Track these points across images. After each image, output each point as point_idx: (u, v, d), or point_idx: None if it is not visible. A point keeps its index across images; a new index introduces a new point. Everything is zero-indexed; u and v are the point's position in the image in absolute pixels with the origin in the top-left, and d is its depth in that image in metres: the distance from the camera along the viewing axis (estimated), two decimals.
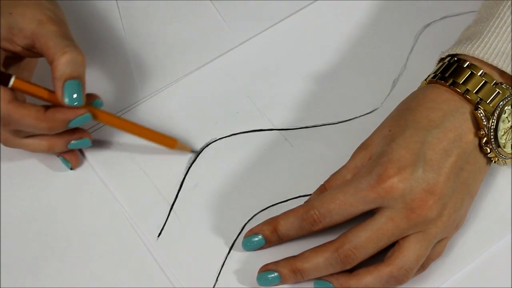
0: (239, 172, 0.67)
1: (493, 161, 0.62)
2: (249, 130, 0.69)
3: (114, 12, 0.75)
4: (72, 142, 0.65)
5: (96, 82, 0.70)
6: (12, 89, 0.61)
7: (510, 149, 0.62)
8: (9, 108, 0.61)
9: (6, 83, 0.61)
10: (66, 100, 0.61)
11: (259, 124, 0.70)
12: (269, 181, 0.67)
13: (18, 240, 0.64)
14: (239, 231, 0.65)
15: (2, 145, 0.66)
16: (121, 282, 0.63)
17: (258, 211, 0.65)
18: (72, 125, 0.63)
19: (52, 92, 0.62)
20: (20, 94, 0.64)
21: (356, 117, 0.70)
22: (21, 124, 0.62)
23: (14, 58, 0.65)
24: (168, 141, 0.67)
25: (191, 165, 0.68)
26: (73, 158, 0.67)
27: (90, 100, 0.64)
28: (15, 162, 0.67)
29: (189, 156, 0.68)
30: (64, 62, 0.61)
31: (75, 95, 0.61)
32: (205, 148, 0.68)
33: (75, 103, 0.62)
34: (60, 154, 0.66)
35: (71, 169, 0.67)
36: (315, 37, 0.74)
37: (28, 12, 0.62)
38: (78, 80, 0.62)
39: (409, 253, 0.59)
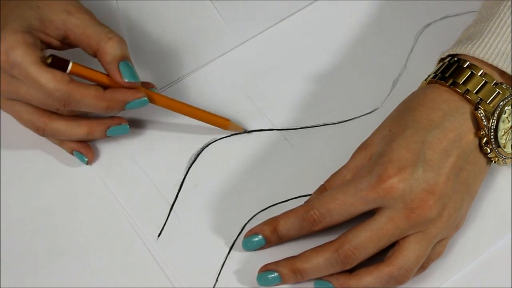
0: (239, 172, 0.67)
1: (493, 161, 0.62)
2: (249, 130, 0.69)
3: (114, 12, 0.75)
4: (112, 127, 0.66)
5: None
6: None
7: (510, 149, 0.62)
8: (70, 88, 0.62)
9: (64, 69, 0.62)
10: (127, 78, 0.63)
11: (259, 124, 0.70)
12: (269, 181, 0.67)
13: (18, 240, 0.64)
14: (239, 231, 0.65)
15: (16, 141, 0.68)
16: (121, 282, 0.63)
17: (258, 211, 0.65)
18: (129, 107, 0.64)
19: (108, 76, 0.64)
20: None
21: (356, 117, 0.70)
22: (81, 104, 0.63)
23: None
24: (222, 121, 0.68)
25: (191, 165, 0.68)
26: (89, 151, 0.67)
27: (146, 87, 0.66)
28: (16, 162, 0.67)
29: (189, 156, 0.68)
30: (112, 46, 0.63)
31: (132, 74, 0.63)
32: (205, 148, 0.68)
33: (135, 79, 0.64)
34: (75, 149, 0.67)
35: (87, 163, 0.67)
36: (315, 37, 0.74)
37: (54, 4, 0.64)
38: (127, 59, 0.64)
39: (409, 253, 0.59)
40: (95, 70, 0.64)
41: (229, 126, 0.68)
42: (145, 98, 0.65)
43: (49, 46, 0.65)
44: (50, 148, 0.68)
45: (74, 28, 0.64)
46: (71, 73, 0.63)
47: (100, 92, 0.63)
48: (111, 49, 0.63)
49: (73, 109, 0.64)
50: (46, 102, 0.63)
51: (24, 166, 0.67)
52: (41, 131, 0.65)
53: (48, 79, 0.61)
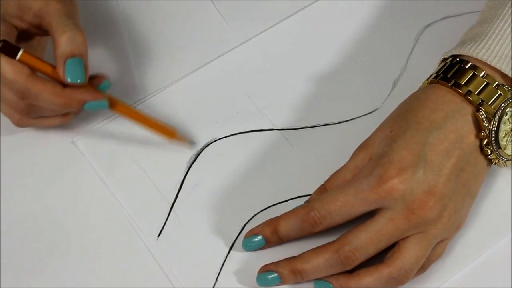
0: (239, 172, 0.67)
1: (494, 163, 0.62)
2: (249, 130, 0.69)
3: (114, 12, 0.75)
4: (89, 104, 0.64)
5: None
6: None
7: (510, 151, 0.62)
8: (28, 81, 0.62)
9: (14, 56, 0.62)
10: (68, 78, 0.62)
11: (259, 124, 0.70)
12: (269, 181, 0.67)
13: (18, 240, 0.64)
14: (239, 231, 0.65)
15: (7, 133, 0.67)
16: (121, 282, 0.63)
17: (258, 211, 0.65)
18: (87, 107, 0.64)
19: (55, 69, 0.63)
20: None
21: (357, 117, 0.70)
22: (38, 99, 0.62)
23: (25, 37, 0.66)
24: (168, 133, 0.67)
25: (191, 165, 0.68)
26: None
27: (97, 81, 0.65)
28: (16, 161, 0.67)
29: (189, 156, 0.68)
30: (64, 41, 0.62)
31: (76, 73, 0.62)
32: (205, 148, 0.68)
33: (77, 81, 0.62)
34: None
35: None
36: (316, 38, 0.74)
37: None
38: (80, 58, 0.62)
39: (409, 254, 0.59)
40: (46, 62, 0.63)
41: (175, 137, 0.67)
42: (105, 102, 0.64)
43: (25, 31, 0.65)
44: (50, 148, 0.68)
45: (46, 16, 0.63)
46: (21, 61, 0.62)
47: (57, 89, 0.62)
48: (61, 44, 0.62)
49: (32, 103, 0.63)
50: (6, 93, 0.63)
51: (24, 166, 0.67)
52: (21, 124, 0.65)
53: (7, 70, 0.61)
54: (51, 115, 0.66)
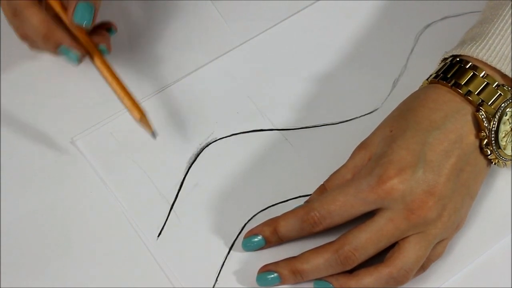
0: (239, 172, 0.67)
1: (493, 163, 0.62)
2: (249, 130, 0.69)
3: (114, 13, 0.75)
4: (63, 46, 0.65)
5: (95, 83, 0.70)
6: None
7: (510, 151, 0.62)
8: (23, 3, 0.64)
9: None
10: (75, 18, 0.64)
11: (259, 124, 0.70)
12: (269, 181, 0.67)
13: (18, 240, 0.64)
14: (239, 231, 0.65)
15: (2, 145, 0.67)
16: (121, 282, 0.63)
17: (258, 211, 0.65)
18: (61, 51, 0.65)
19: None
20: None
21: (356, 117, 0.70)
22: (26, 22, 0.64)
23: None
24: (136, 112, 0.64)
25: (191, 165, 0.68)
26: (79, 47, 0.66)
27: (103, 27, 0.67)
28: (16, 161, 0.67)
29: (189, 156, 0.68)
30: None
31: (84, 16, 0.64)
32: (205, 148, 0.68)
33: (83, 23, 0.64)
34: (63, 43, 0.66)
35: (78, 61, 0.66)
36: (316, 38, 0.74)
37: None
38: (91, 4, 0.64)
39: (409, 254, 0.59)
40: (59, 2, 0.65)
41: (141, 119, 0.64)
42: (76, 56, 0.65)
43: None
44: (50, 148, 0.68)
45: None
46: None
47: (48, 20, 0.64)
48: None
49: (20, 25, 0.65)
50: (4, 7, 0.65)
51: (24, 166, 0.67)
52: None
53: None
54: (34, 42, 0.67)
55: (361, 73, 0.72)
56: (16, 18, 0.65)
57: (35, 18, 0.64)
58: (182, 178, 0.67)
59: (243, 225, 0.65)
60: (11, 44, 0.72)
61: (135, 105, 0.64)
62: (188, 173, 0.67)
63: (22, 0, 0.64)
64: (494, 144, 0.61)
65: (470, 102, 0.61)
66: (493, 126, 0.61)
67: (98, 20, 0.67)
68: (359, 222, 0.60)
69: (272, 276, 0.62)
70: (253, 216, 0.65)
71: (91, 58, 0.65)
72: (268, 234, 0.63)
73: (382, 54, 0.73)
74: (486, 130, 0.61)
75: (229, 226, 0.65)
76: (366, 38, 0.74)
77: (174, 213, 0.65)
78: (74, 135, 0.69)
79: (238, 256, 0.64)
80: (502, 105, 0.61)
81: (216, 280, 0.63)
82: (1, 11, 0.67)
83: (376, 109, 0.70)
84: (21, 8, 0.64)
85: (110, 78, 0.65)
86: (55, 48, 0.65)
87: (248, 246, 0.63)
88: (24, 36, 0.67)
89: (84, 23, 0.64)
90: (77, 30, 0.65)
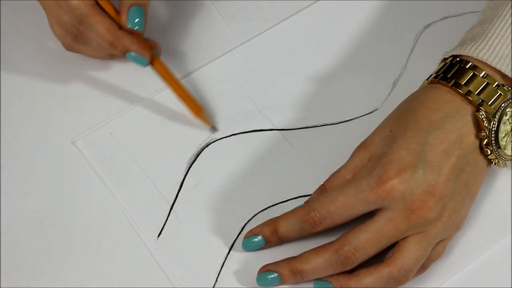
0: (239, 172, 0.67)
1: (494, 163, 0.62)
2: (249, 130, 0.69)
3: None
4: (132, 53, 0.67)
5: (97, 82, 0.70)
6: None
7: (510, 151, 0.62)
8: (90, 10, 0.66)
9: None
10: (129, 24, 0.66)
11: (259, 124, 0.70)
12: (269, 181, 0.67)
13: (18, 240, 0.64)
14: (239, 231, 0.65)
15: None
16: (121, 282, 0.63)
17: (258, 211, 0.65)
18: (129, 57, 0.67)
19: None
20: None
21: (356, 117, 0.70)
22: (92, 29, 0.66)
23: None
24: (196, 108, 0.68)
25: (191, 165, 0.68)
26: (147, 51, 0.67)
27: (151, 46, 0.68)
28: (16, 161, 0.67)
29: (189, 156, 0.68)
30: None
31: (137, 20, 0.66)
32: (205, 148, 0.68)
33: (136, 27, 0.66)
34: (131, 50, 0.67)
35: (147, 64, 0.68)
36: (316, 38, 0.74)
37: None
38: (142, 7, 0.66)
39: (409, 254, 0.59)
40: (111, 5, 0.66)
41: (201, 115, 0.68)
42: (145, 59, 0.66)
43: None
44: (50, 148, 0.68)
45: None
46: None
47: (112, 27, 0.66)
48: None
49: (85, 31, 0.66)
50: (65, 17, 0.66)
51: (24, 166, 0.67)
52: (70, 49, 0.69)
53: None
54: (97, 48, 0.69)
55: (361, 73, 0.72)
56: (81, 27, 0.66)
57: (100, 26, 0.66)
58: (182, 178, 0.67)
59: (243, 225, 0.65)
60: (11, 44, 0.72)
61: (193, 104, 0.68)
62: (188, 173, 0.67)
63: (87, 8, 0.65)
64: (494, 144, 0.61)
65: (470, 102, 0.61)
66: (493, 126, 0.61)
67: None
68: (359, 222, 0.60)
69: (272, 276, 0.62)
70: (253, 216, 0.65)
71: (153, 66, 0.68)
72: (268, 234, 0.63)
73: (382, 54, 0.73)
74: (486, 130, 0.61)
75: (229, 226, 0.65)
76: (366, 38, 0.74)
77: (174, 213, 0.65)
78: (74, 136, 0.69)
79: (238, 256, 0.64)
80: (502, 105, 0.61)
81: (216, 280, 0.63)
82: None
83: (376, 109, 0.70)
84: (86, 17, 0.65)
85: (169, 80, 0.68)
86: (123, 54, 0.67)
87: (248, 246, 0.63)
88: (74, 48, 0.69)
89: (136, 28, 0.66)
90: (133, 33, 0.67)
